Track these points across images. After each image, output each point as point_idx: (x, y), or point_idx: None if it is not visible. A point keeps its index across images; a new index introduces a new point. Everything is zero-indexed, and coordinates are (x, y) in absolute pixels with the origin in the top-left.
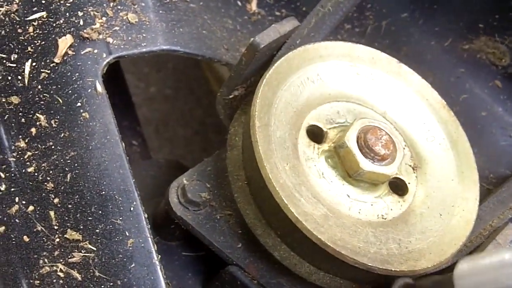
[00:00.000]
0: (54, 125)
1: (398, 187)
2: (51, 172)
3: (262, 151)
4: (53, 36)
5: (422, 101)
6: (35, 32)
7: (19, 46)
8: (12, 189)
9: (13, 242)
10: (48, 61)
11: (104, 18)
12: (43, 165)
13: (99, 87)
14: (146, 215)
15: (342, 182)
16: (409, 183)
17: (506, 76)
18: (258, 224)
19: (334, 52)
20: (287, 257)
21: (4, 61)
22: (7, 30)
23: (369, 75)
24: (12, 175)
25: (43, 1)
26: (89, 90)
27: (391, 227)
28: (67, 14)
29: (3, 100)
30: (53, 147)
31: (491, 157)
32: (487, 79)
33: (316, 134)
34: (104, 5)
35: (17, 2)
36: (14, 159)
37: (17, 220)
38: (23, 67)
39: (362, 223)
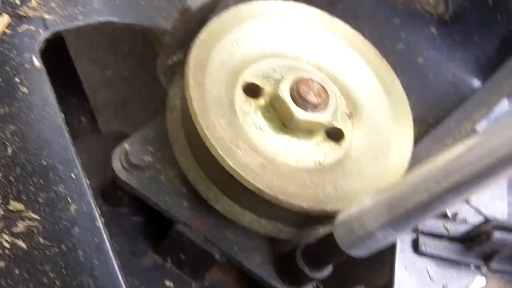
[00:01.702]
0: None
1: (334, 134)
2: None
3: (197, 107)
4: None
5: (355, 52)
6: None
7: None
8: None
9: None
10: None
11: None
12: None
13: (37, 62)
14: (88, 182)
15: (279, 133)
16: (345, 130)
17: (441, 23)
18: (200, 180)
19: (267, 11)
20: (229, 209)
21: None
22: None
23: (302, 31)
24: None
25: None
26: (27, 66)
27: (328, 172)
28: None
29: None
30: None
31: (429, 101)
32: (422, 27)
33: (252, 91)
34: None
35: None
36: None
37: None
38: None
39: (299, 170)
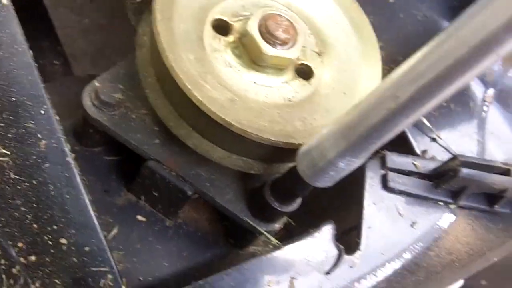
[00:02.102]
0: None
1: (304, 72)
2: None
3: (164, 42)
4: None
5: None
6: None
7: None
8: None
9: None
10: None
11: None
12: None
13: (4, 0)
14: (57, 118)
15: (248, 70)
16: (314, 68)
17: None
18: (170, 116)
19: None
20: (200, 144)
21: None
22: None
23: None
24: None
25: None
26: None
27: (297, 108)
28: None
29: None
30: None
31: (400, 41)
32: None
33: (221, 28)
34: None
35: None
36: None
37: None
38: None
39: (269, 105)
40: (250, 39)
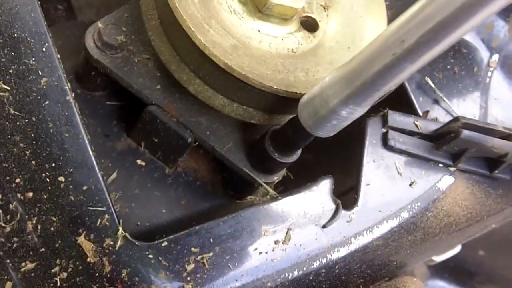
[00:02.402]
0: None
1: (309, 24)
2: None
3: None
4: None
5: None
6: None
7: None
8: None
9: None
10: None
11: None
12: None
13: None
14: (59, 56)
15: (253, 18)
16: (319, 21)
17: None
18: (173, 61)
19: None
20: (201, 90)
21: None
22: None
23: None
24: None
25: None
26: None
27: (300, 59)
28: None
29: None
30: None
31: (406, 1)
32: None
33: None
34: None
35: None
36: None
37: None
38: None
39: (272, 55)
40: None
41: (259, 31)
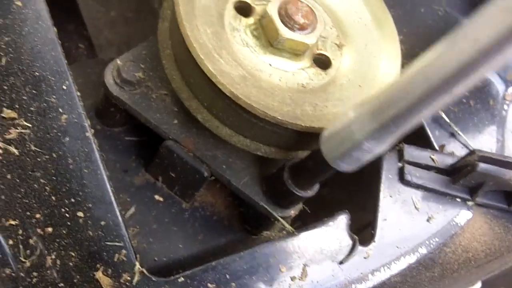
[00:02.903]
0: None
1: (322, 62)
2: None
3: (183, 11)
4: None
5: None
6: None
7: None
8: None
9: None
10: None
11: None
12: None
13: None
14: (79, 94)
15: (265, 52)
16: (333, 59)
17: None
18: (183, 89)
19: None
20: (209, 119)
21: None
22: None
23: None
24: None
25: None
26: None
27: (309, 94)
28: None
29: None
30: None
31: (420, 36)
32: None
33: (243, 9)
34: None
35: None
36: None
37: None
38: None
39: (281, 88)
40: (268, 20)
41: (270, 65)
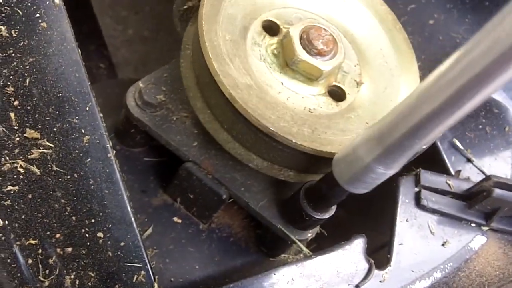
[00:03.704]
0: (14, 35)
1: (336, 94)
2: (11, 77)
3: (205, 14)
4: None
5: (377, 20)
6: None
7: None
8: None
9: None
10: None
11: None
12: (3, 71)
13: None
14: (101, 115)
15: (280, 71)
16: (348, 93)
17: None
18: (205, 111)
19: None
20: (229, 141)
21: None
22: None
23: None
24: None
25: None
26: (47, 2)
27: (313, 118)
28: None
29: None
30: (13, 54)
31: (438, 62)
32: None
33: (271, 28)
34: None
35: None
36: None
37: None
38: None
39: (285, 106)
40: (288, 40)
41: (282, 83)
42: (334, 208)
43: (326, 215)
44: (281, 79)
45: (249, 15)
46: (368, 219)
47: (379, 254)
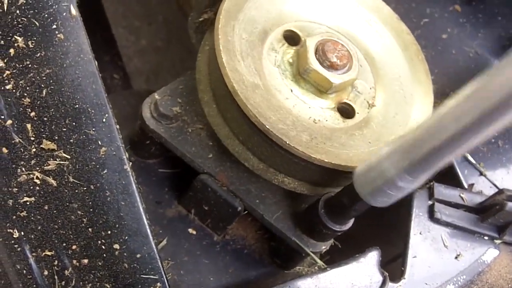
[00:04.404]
0: (31, 46)
1: (345, 111)
2: (28, 88)
3: (225, 9)
4: None
5: (399, 47)
6: None
7: None
8: None
9: None
10: None
11: None
12: (20, 82)
13: (74, 11)
14: (118, 127)
15: (292, 78)
16: (358, 113)
17: (465, 1)
18: (220, 123)
19: None
20: (244, 154)
21: None
22: None
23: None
24: None
25: None
26: (64, 14)
27: (314, 127)
28: None
29: None
30: (30, 65)
31: (451, 76)
32: (447, 4)
33: (292, 38)
34: None
35: None
36: None
37: None
38: None
39: (290, 111)
40: (303, 49)
41: (291, 91)
42: (353, 220)
43: (344, 227)
44: (292, 87)
45: (272, 21)
46: (379, 231)
47: (392, 266)
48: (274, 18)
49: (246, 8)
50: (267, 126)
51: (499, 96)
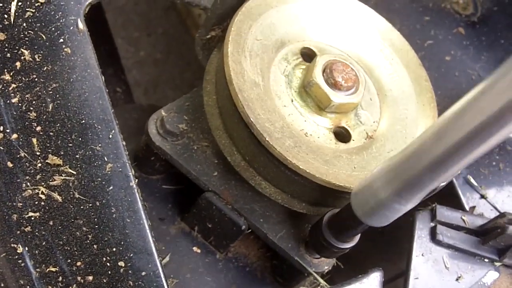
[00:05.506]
0: (37, 59)
1: (341, 134)
2: (34, 102)
3: (248, 5)
4: None
5: (411, 84)
6: None
7: None
8: None
9: None
10: (33, 0)
11: None
12: (26, 96)
13: (81, 25)
14: (124, 143)
15: (296, 90)
16: (353, 140)
17: (469, 24)
18: (226, 142)
19: None
20: (248, 172)
21: None
22: None
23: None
24: None
25: None
26: (71, 28)
27: (302, 139)
28: None
29: None
30: (36, 79)
31: (454, 98)
32: (451, 27)
33: (307, 55)
34: None
35: None
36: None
37: (1, 148)
38: (9, 6)
39: (282, 116)
40: (312, 65)
41: (292, 101)
42: (357, 237)
43: (347, 245)
44: (293, 97)
45: (292, 35)
46: (380, 250)
47: (392, 285)
48: (295, 32)
49: (269, 14)
50: (251, 119)
51: (486, 115)
